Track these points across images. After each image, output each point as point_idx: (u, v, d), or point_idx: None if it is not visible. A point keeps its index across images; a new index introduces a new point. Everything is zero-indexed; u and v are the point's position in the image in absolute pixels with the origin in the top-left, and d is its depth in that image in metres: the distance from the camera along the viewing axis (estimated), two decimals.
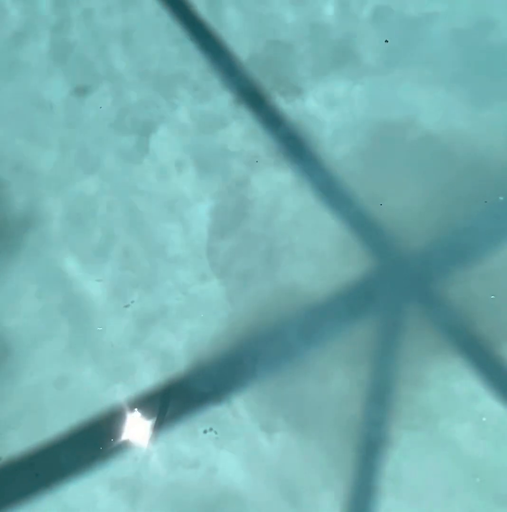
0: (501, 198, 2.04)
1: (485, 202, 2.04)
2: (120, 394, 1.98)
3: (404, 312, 2.00)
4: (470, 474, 1.86)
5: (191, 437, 1.94)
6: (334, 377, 1.96)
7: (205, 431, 1.93)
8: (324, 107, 2.19)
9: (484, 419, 1.90)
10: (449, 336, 1.97)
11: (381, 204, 2.08)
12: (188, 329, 2.03)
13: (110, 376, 2.00)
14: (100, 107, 2.21)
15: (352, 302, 2.02)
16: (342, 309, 2.02)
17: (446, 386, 1.93)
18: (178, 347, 2.02)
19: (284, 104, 2.20)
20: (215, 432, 1.93)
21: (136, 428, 1.96)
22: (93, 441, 1.95)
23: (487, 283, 2.00)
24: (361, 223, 2.08)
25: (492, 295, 1.98)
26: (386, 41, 2.14)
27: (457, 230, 2.05)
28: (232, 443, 1.93)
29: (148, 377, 1.99)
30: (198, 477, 1.91)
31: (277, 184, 2.14)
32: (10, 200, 2.17)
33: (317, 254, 2.08)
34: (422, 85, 2.19)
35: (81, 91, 2.25)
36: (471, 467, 1.87)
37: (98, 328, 2.03)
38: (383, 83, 2.20)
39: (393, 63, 2.21)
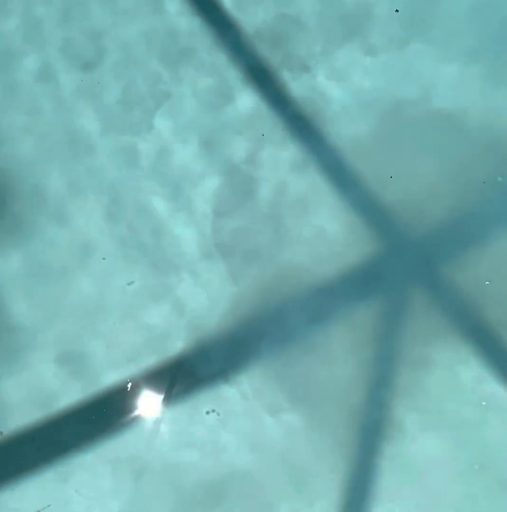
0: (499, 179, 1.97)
1: (499, 179, 1.97)
2: (123, 372, 1.97)
3: (410, 295, 1.95)
4: (474, 458, 1.82)
5: (195, 417, 1.93)
6: (339, 358, 1.93)
7: (207, 412, 1.92)
8: (334, 83, 2.13)
9: (483, 403, 1.86)
10: (455, 320, 1.92)
11: (391, 177, 2.02)
12: (192, 308, 2.01)
13: (113, 355, 1.99)
14: (98, 83, 2.17)
15: (358, 283, 1.98)
16: (348, 290, 1.98)
17: (452, 369, 1.89)
18: (181, 325, 2.00)
19: (293, 80, 2.15)
20: (218, 414, 1.91)
21: (140, 407, 1.95)
22: (96, 419, 1.95)
23: (495, 268, 1.94)
24: (369, 204, 2.03)
25: (500, 280, 1.92)
26: (397, 10, 2.07)
27: (469, 212, 1.99)
28: (236, 423, 1.91)
29: (151, 357, 1.98)
30: (202, 458, 1.90)
31: (284, 162, 2.10)
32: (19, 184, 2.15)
33: (323, 235, 2.03)
34: (437, 61, 2.11)
35: (87, 66, 2.21)
36: (474, 452, 1.83)
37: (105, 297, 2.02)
38: (396, 59, 2.13)
39: (407, 39, 2.13)
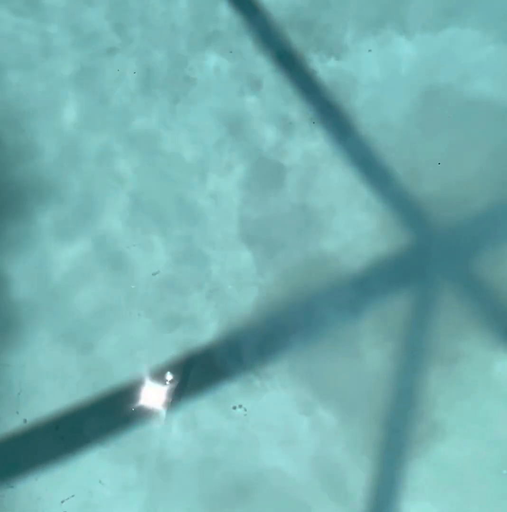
0: None
1: None
2: (146, 363, 1.95)
3: (442, 288, 1.90)
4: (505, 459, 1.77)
5: (222, 412, 1.89)
6: (366, 351, 1.88)
7: (234, 407, 1.88)
8: (367, 68, 2.07)
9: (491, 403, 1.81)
10: (489, 315, 1.87)
11: (439, 163, 1.96)
12: (217, 298, 1.98)
13: (137, 344, 1.96)
14: (118, 70, 2.13)
15: (389, 276, 1.93)
16: (378, 283, 1.93)
17: (485, 365, 1.84)
18: (206, 317, 1.97)
19: (323, 66, 2.09)
20: (245, 409, 1.87)
21: (166, 400, 1.92)
22: (120, 410, 1.92)
23: None
24: (401, 194, 1.97)
25: None
26: None
27: (505, 205, 1.92)
28: (264, 419, 1.87)
29: (175, 348, 1.95)
30: (229, 453, 1.87)
31: (313, 150, 2.04)
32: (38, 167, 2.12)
33: (352, 226, 1.98)
34: (475, 45, 2.04)
35: (111, 50, 2.17)
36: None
37: (132, 286, 1.99)
38: (432, 42, 2.06)
39: (443, 22, 2.06)
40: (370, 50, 2.07)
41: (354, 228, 1.98)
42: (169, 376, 1.94)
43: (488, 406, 1.81)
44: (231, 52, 2.13)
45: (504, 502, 1.77)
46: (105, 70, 2.17)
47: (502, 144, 1.97)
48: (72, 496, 1.85)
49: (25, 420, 1.91)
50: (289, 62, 2.11)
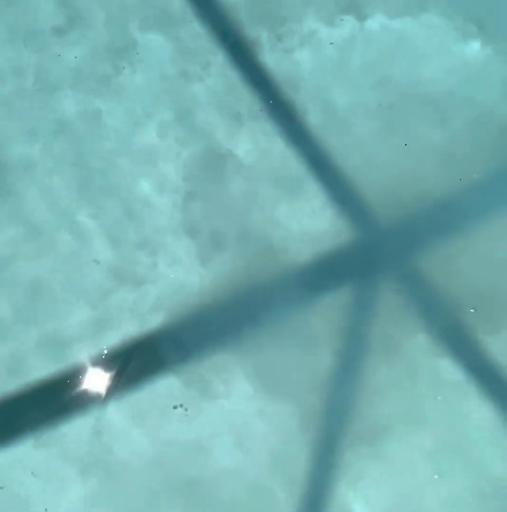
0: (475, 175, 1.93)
1: (460, 180, 1.93)
2: (85, 354, 1.91)
3: (386, 285, 1.91)
4: (452, 456, 1.79)
5: (163, 411, 1.85)
6: (316, 344, 1.87)
7: (175, 407, 1.85)
8: (320, 60, 2.06)
9: (439, 398, 1.83)
10: (429, 312, 1.88)
11: (405, 144, 1.95)
12: (159, 288, 1.95)
13: (75, 334, 1.92)
14: (75, 57, 2.09)
15: (334, 270, 1.93)
16: (323, 276, 1.93)
17: (417, 360, 1.85)
18: (147, 307, 1.93)
19: (274, 57, 2.07)
20: (186, 409, 1.85)
21: (103, 392, 1.89)
22: (55, 400, 1.88)
23: (470, 262, 1.90)
24: (349, 190, 1.98)
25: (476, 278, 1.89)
26: None
27: (442, 203, 1.94)
28: (207, 417, 1.84)
29: (116, 339, 1.91)
30: (174, 450, 1.83)
31: (260, 142, 2.03)
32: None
33: (299, 218, 1.98)
34: (432, 36, 2.05)
35: (58, 30, 2.12)
36: (453, 447, 1.80)
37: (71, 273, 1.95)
38: (387, 33, 2.06)
39: (402, 11, 2.06)
40: (330, 43, 2.06)
41: (301, 221, 1.97)
42: (108, 369, 1.91)
43: (429, 402, 1.83)
44: (179, 38, 2.10)
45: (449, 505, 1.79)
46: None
47: (451, 140, 1.99)
48: (1, 488, 1.81)
49: None
50: (240, 51, 2.09)
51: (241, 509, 1.80)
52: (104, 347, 1.90)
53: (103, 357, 1.90)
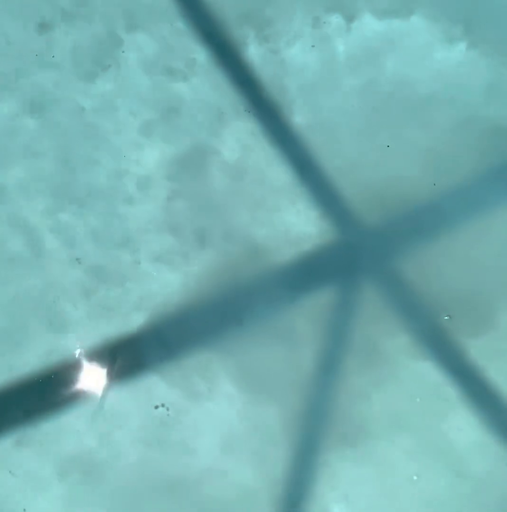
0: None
1: (434, 184, 1.94)
2: (67, 354, 1.90)
3: (368, 286, 1.91)
4: (432, 457, 1.80)
5: (143, 412, 1.84)
6: (299, 344, 1.87)
7: (156, 407, 1.84)
8: (306, 61, 2.05)
9: (418, 400, 1.83)
10: (409, 314, 1.89)
11: (388, 146, 1.96)
12: (140, 287, 1.94)
13: (57, 334, 1.91)
14: (53, 57, 2.07)
15: (317, 270, 1.93)
16: (306, 276, 1.93)
17: (398, 362, 1.86)
18: (129, 306, 1.92)
19: (260, 57, 2.07)
20: (167, 409, 1.84)
21: (85, 391, 1.87)
22: (35, 399, 1.87)
23: (452, 264, 1.91)
24: (333, 191, 1.97)
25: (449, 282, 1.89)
26: None
27: (425, 205, 1.94)
28: (190, 417, 1.83)
29: (99, 339, 1.90)
30: (157, 451, 1.82)
31: (245, 141, 2.02)
32: None
33: (283, 218, 1.97)
34: (420, 38, 2.05)
35: (44, 26, 2.10)
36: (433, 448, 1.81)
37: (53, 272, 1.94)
38: (375, 35, 2.06)
39: (390, 14, 2.06)
40: (313, 46, 2.06)
41: (285, 221, 1.97)
42: (90, 369, 1.89)
43: (409, 404, 1.83)
44: (165, 37, 2.09)
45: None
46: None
47: (434, 142, 1.99)
48: None
49: None
50: (226, 50, 2.08)
51: (224, 510, 1.79)
52: (86, 346, 1.89)
53: (85, 356, 1.89)
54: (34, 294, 1.94)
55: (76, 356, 1.89)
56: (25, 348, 1.89)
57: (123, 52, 2.08)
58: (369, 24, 2.06)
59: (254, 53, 2.07)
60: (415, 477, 1.79)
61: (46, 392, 1.87)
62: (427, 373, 1.84)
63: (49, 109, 2.07)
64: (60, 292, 1.93)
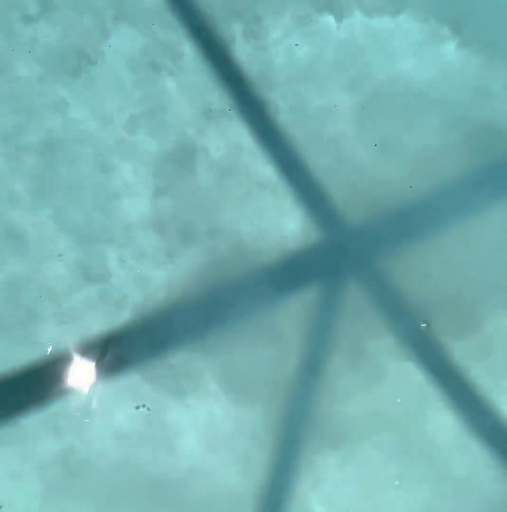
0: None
1: (410, 187, 1.92)
2: (51, 352, 1.88)
3: (353, 286, 1.89)
4: (413, 456, 1.79)
5: (125, 411, 1.83)
6: (284, 343, 1.86)
7: (137, 407, 1.83)
8: (293, 59, 2.04)
9: (398, 400, 1.82)
10: (393, 314, 1.87)
11: (375, 145, 1.94)
12: (124, 284, 1.92)
13: (40, 330, 1.89)
14: (29, 52, 2.05)
15: (298, 269, 1.92)
16: (288, 276, 1.91)
17: (382, 363, 1.85)
18: (114, 304, 1.91)
19: (247, 55, 2.05)
20: (148, 409, 1.82)
21: (68, 387, 1.86)
22: (17, 395, 1.85)
23: (436, 265, 1.90)
24: (319, 190, 1.96)
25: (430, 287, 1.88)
26: None
27: (412, 205, 1.93)
28: (170, 416, 1.82)
29: (81, 333, 1.88)
30: (138, 450, 1.81)
31: (231, 139, 2.01)
32: None
33: (268, 216, 1.96)
34: (410, 36, 2.03)
35: (28, 18, 2.08)
36: (415, 445, 1.80)
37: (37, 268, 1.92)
38: (362, 32, 2.04)
39: (378, 12, 2.05)
40: (296, 44, 2.04)
41: (271, 219, 1.96)
42: (73, 366, 1.88)
43: (393, 405, 1.82)
44: (152, 32, 2.07)
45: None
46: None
47: (422, 142, 1.98)
48: None
49: None
50: (214, 47, 2.06)
51: (206, 509, 1.78)
52: (68, 344, 1.88)
53: (68, 353, 1.88)
54: (15, 290, 1.92)
55: (60, 353, 1.87)
56: (4, 345, 1.87)
57: (110, 46, 2.06)
58: (358, 23, 2.04)
59: (241, 49, 2.05)
60: (396, 482, 1.78)
61: (27, 390, 1.85)
62: (411, 373, 1.83)
63: (32, 102, 2.05)
64: (43, 288, 1.91)
